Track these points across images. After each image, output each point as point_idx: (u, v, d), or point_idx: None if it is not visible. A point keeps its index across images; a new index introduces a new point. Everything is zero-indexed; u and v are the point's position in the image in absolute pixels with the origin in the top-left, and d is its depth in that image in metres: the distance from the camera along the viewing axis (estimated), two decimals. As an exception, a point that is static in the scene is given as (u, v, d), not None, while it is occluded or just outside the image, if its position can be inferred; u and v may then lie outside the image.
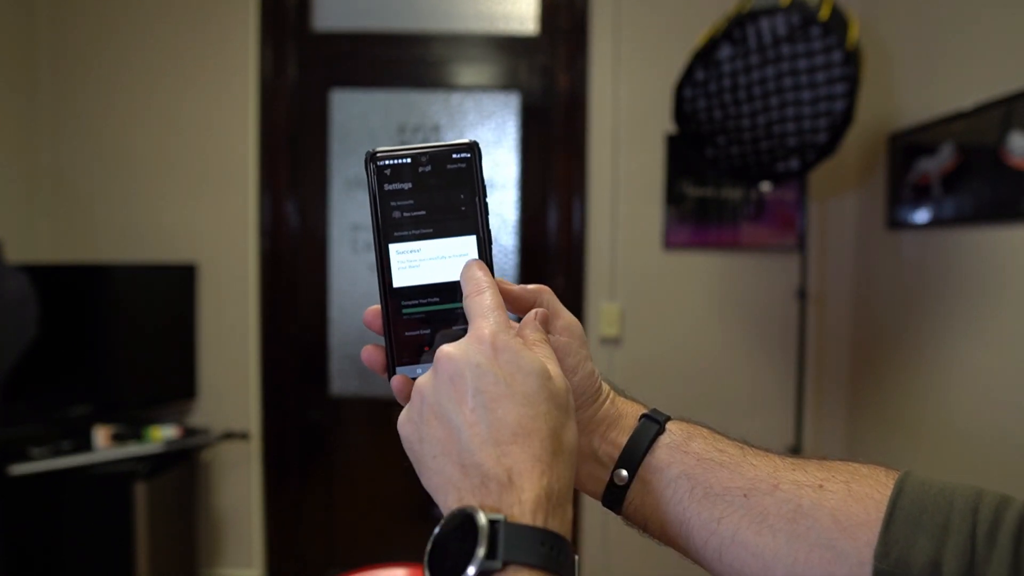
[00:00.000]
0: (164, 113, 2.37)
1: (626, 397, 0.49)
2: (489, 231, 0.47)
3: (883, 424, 2.18)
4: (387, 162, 0.46)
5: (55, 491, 1.99)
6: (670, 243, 2.36)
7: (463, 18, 2.41)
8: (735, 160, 1.92)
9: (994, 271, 1.67)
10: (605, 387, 0.48)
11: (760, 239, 2.36)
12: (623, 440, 0.46)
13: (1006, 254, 1.64)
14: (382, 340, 0.46)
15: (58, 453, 1.97)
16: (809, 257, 2.29)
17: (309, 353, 2.44)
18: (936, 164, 1.86)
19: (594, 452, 0.46)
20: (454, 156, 0.46)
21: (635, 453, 0.45)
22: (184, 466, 2.23)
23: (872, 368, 2.27)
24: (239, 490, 2.42)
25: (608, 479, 0.46)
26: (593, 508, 2.38)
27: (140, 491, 2.00)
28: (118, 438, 2.09)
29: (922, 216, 1.95)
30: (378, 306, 0.46)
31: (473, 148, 0.47)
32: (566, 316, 0.46)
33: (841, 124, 1.72)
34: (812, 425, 2.39)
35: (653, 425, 0.46)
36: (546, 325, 0.44)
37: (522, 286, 0.47)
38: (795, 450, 2.14)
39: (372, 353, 0.47)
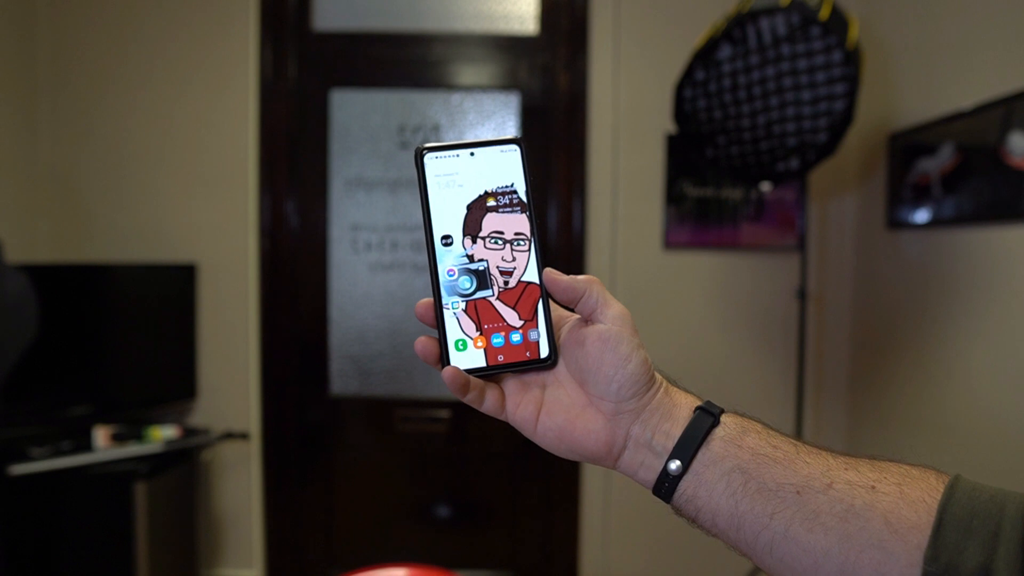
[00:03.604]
0: (164, 113, 2.37)
1: (679, 387, 0.50)
2: (535, 221, 0.49)
3: (883, 424, 2.18)
4: (436, 156, 0.48)
5: (55, 491, 1.99)
6: (670, 243, 2.36)
7: (463, 18, 2.41)
8: (735, 160, 1.92)
9: (994, 271, 1.67)
10: (658, 376, 0.49)
11: (760, 239, 2.36)
12: (677, 431, 0.46)
13: (1006, 254, 1.64)
14: (431, 332, 0.48)
15: (58, 453, 1.97)
16: (809, 257, 2.29)
17: (309, 353, 2.43)
18: (936, 164, 1.86)
19: (648, 442, 0.47)
20: (501, 151, 0.48)
21: (689, 445, 0.46)
22: (184, 466, 2.23)
23: (872, 368, 2.27)
24: (239, 490, 2.42)
25: (661, 469, 0.46)
26: (593, 508, 2.38)
27: (140, 491, 2.00)
28: (118, 438, 2.09)
29: (922, 216, 1.95)
30: (430, 299, 0.48)
31: (519, 143, 0.49)
32: (616, 306, 0.47)
33: (841, 124, 1.72)
34: (812, 425, 2.39)
35: (708, 418, 0.46)
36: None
37: (572, 277, 0.48)
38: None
39: (426, 344, 0.48)
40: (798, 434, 2.16)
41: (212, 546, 2.42)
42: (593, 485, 2.38)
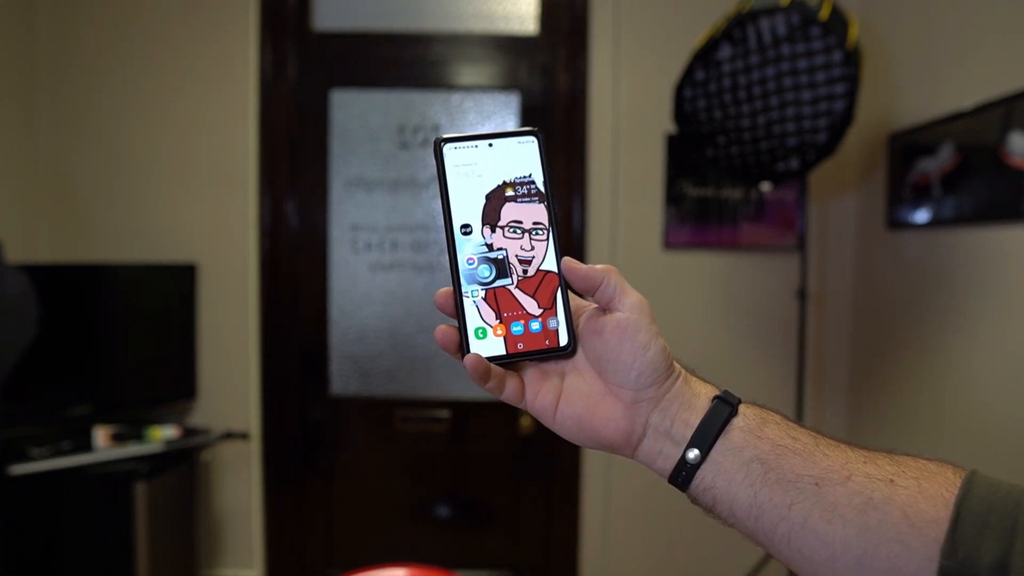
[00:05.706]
0: (164, 113, 2.37)
1: (698, 376, 0.50)
2: (556, 212, 0.49)
3: (883, 424, 2.19)
4: (455, 146, 0.48)
5: (55, 491, 1.99)
6: (670, 243, 2.36)
7: (463, 18, 2.41)
8: (735, 160, 1.92)
9: (994, 271, 1.67)
10: (676, 365, 0.49)
11: (760, 239, 2.36)
12: (696, 420, 0.47)
13: (1006, 254, 1.64)
14: (451, 321, 0.48)
15: (58, 453, 1.97)
16: (809, 257, 2.29)
17: (309, 353, 2.43)
18: (936, 164, 1.86)
19: (667, 430, 0.47)
20: (519, 142, 0.49)
21: (708, 434, 0.46)
22: (184, 466, 2.23)
23: (872, 368, 2.27)
24: (239, 490, 2.42)
25: (679, 458, 0.47)
26: (593, 508, 2.38)
27: (140, 491, 2.00)
28: (118, 438, 2.09)
29: (922, 216, 1.95)
30: (449, 288, 0.48)
31: (536, 135, 0.49)
32: (634, 295, 0.49)
33: (841, 124, 1.72)
34: (812, 424, 2.39)
35: (726, 407, 0.47)
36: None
37: (590, 266, 0.48)
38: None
39: (446, 333, 0.48)
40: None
41: (212, 546, 2.42)
42: (593, 485, 2.38)
